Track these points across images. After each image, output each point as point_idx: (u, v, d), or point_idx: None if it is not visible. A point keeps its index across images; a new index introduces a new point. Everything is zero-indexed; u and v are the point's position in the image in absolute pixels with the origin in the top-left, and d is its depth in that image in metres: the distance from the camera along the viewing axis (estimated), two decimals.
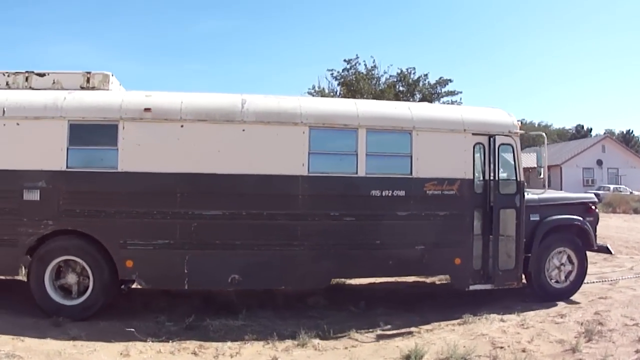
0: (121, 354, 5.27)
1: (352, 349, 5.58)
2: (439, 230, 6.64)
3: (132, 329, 5.78)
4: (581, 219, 7.22)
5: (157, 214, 6.35)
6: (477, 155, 6.81)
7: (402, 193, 6.56)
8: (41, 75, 6.88)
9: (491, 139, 6.83)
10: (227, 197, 6.40)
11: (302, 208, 6.45)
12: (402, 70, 17.53)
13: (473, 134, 6.77)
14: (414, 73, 17.47)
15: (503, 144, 6.83)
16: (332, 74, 17.71)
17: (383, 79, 17.54)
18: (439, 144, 6.66)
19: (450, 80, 17.15)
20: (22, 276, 7.01)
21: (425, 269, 6.92)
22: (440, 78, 17.16)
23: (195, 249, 6.36)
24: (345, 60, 17.57)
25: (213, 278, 6.45)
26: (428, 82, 17.28)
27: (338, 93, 17.15)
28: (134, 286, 6.83)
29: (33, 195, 6.34)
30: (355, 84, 16.54)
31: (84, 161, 6.45)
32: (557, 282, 7.18)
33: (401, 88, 17.29)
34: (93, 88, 6.83)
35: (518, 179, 6.88)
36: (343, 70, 17.56)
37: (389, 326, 6.24)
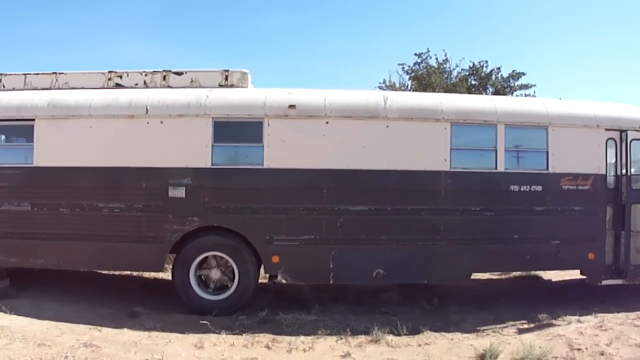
0: (195, 345, 5.42)
1: (426, 346, 5.60)
2: (574, 225, 6.83)
3: (206, 322, 5.90)
4: None
5: (303, 209, 6.52)
6: (609, 150, 7.01)
7: (539, 188, 6.76)
8: (179, 73, 7.07)
9: (623, 134, 7.05)
10: (372, 192, 6.57)
11: (444, 203, 6.62)
12: (474, 64, 17.10)
13: (606, 129, 6.99)
14: (486, 66, 17.04)
15: (635, 139, 7.04)
16: (402, 67, 17.43)
17: (455, 73, 17.24)
18: (573, 139, 6.87)
19: (524, 73, 16.67)
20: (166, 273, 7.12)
21: (560, 263, 7.06)
22: (513, 71, 16.72)
23: (340, 244, 6.54)
24: (416, 54, 17.31)
25: (358, 273, 6.61)
26: (501, 75, 16.87)
27: (409, 87, 17.11)
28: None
29: (178, 192, 6.52)
30: (426, 78, 16.34)
31: (228, 158, 6.65)
32: None
33: (473, 82, 17.04)
34: (232, 86, 7.02)
35: None
36: (414, 64, 17.28)
37: (462, 324, 6.28)
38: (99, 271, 8.32)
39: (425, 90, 14.97)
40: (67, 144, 6.71)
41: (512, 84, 16.92)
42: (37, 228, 6.71)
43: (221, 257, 6.62)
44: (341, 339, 5.70)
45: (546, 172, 6.79)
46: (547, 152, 6.79)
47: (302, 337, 5.70)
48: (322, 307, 6.64)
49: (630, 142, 7.02)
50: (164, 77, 7.04)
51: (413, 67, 17.45)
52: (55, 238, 6.69)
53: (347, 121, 6.58)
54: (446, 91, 14.79)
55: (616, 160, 7.05)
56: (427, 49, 17.59)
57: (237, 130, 6.70)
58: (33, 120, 6.75)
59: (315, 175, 6.52)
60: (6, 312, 6.10)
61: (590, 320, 6.34)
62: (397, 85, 17.21)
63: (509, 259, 6.86)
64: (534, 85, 16.74)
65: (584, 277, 7.14)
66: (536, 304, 6.91)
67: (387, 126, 6.60)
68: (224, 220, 6.52)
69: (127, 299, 7.07)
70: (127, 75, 7.09)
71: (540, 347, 5.25)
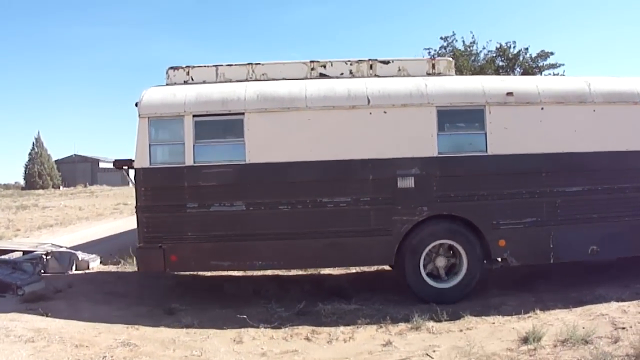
0: (234, 340, 5.83)
1: (467, 331, 5.94)
2: None
3: (244, 316, 6.30)
4: None
5: (526, 193, 7.34)
6: None
7: None
8: (385, 62, 7.60)
9: None
10: (584, 174, 7.51)
11: None
12: (501, 45, 18.29)
13: None
14: (513, 47, 18.25)
15: None
16: (429, 52, 18.48)
17: (482, 55, 18.45)
18: None
19: (552, 53, 18.04)
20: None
21: None
22: (541, 51, 18.08)
23: (559, 225, 7.42)
24: (441, 38, 18.54)
25: (575, 251, 7.54)
26: (529, 55, 18.09)
27: None
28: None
29: (407, 183, 7.14)
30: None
31: (452, 146, 7.33)
32: None
33: (501, 63, 18.28)
34: (439, 74, 7.63)
35: None
36: (440, 48, 18.43)
37: (503, 307, 6.75)
38: (132, 270, 8.87)
39: None
40: (283, 138, 7.12)
41: (541, 64, 18.39)
42: (254, 228, 7.08)
43: (445, 245, 7.24)
44: (381, 327, 6.12)
45: None
46: None
47: (341, 328, 6.13)
48: (360, 296, 7.27)
49: None
50: (371, 66, 7.57)
51: (439, 52, 18.50)
52: (275, 238, 7.09)
53: (559, 107, 7.44)
54: (473, 74, 15.79)
55: None
56: (453, 32, 18.93)
57: (459, 118, 7.39)
58: (242, 114, 7.07)
59: (534, 160, 7.33)
60: (42, 315, 6.54)
61: (633, 298, 6.79)
62: None
63: None
64: (563, 65, 18.35)
65: None
66: (577, 284, 7.65)
67: (594, 110, 7.50)
68: (453, 208, 7.20)
69: (163, 296, 7.56)
70: (331, 65, 7.57)
71: (583, 328, 5.62)
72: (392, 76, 7.53)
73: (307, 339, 5.80)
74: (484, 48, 18.77)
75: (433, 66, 7.65)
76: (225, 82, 7.41)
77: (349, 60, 7.45)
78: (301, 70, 7.48)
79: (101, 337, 5.80)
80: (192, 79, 7.42)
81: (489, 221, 7.21)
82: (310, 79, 7.46)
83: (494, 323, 6.18)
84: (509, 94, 7.28)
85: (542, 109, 7.34)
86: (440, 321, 6.15)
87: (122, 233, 14.23)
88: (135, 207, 7.12)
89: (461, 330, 5.95)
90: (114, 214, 20.55)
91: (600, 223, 7.48)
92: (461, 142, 7.34)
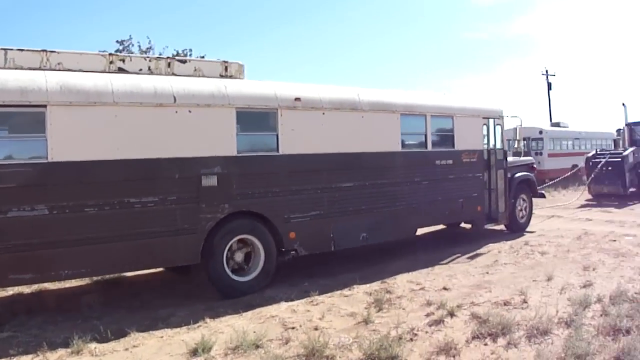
0: None
1: (134, 349, 6.55)
2: (469, 187, 12.46)
3: None
4: (531, 174, 14.62)
5: (310, 189, 10.06)
6: (484, 132, 13.12)
7: (450, 162, 12.05)
8: (183, 62, 9.63)
9: (490, 121, 13.06)
10: (355, 171, 10.53)
11: (398, 176, 11.18)
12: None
13: (483, 117, 12.89)
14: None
15: (497, 125, 13.24)
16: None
17: None
18: (467, 125, 12.42)
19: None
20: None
21: (464, 216, 12.71)
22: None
23: (337, 216, 10.35)
24: (117, 41, 22.10)
25: (350, 239, 10.54)
26: None
27: None
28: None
29: (211, 181, 9.06)
30: None
31: (250, 146, 9.54)
32: (520, 218, 14.31)
33: None
34: (231, 76, 9.90)
35: (504, 149, 13.54)
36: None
37: (172, 318, 7.66)
38: None
39: None
40: (89, 135, 7.98)
41: None
42: (59, 235, 7.74)
43: (244, 240, 9.54)
44: (38, 356, 6.44)
45: (454, 149, 12.12)
46: (454, 135, 12.17)
47: None
48: (16, 321, 7.82)
49: (494, 127, 13.32)
50: (169, 64, 9.26)
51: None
52: (81, 243, 7.88)
53: (336, 112, 10.31)
54: None
55: (487, 140, 13.37)
56: (130, 36, 22.87)
57: (255, 120, 9.68)
58: (44, 107, 7.65)
59: (317, 159, 10.01)
60: None
61: (301, 297, 8.42)
62: None
63: (437, 215, 12.10)
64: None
65: (474, 225, 13.14)
66: None
67: (362, 117, 10.67)
68: (251, 205, 9.37)
69: None
70: (131, 60, 9.03)
71: (254, 332, 6.59)
72: (189, 75, 9.31)
73: None
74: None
75: (226, 69, 9.74)
76: (16, 68, 8.02)
77: (147, 57, 9.29)
78: (99, 63, 8.67)
79: None
80: None
81: (281, 215, 9.55)
82: (110, 72, 8.69)
83: (162, 337, 6.96)
84: (297, 99, 9.79)
85: (324, 114, 10.07)
86: (104, 341, 6.77)
87: None
88: None
89: (127, 349, 6.56)
90: None
91: (368, 213, 10.60)
92: (257, 142, 9.60)
